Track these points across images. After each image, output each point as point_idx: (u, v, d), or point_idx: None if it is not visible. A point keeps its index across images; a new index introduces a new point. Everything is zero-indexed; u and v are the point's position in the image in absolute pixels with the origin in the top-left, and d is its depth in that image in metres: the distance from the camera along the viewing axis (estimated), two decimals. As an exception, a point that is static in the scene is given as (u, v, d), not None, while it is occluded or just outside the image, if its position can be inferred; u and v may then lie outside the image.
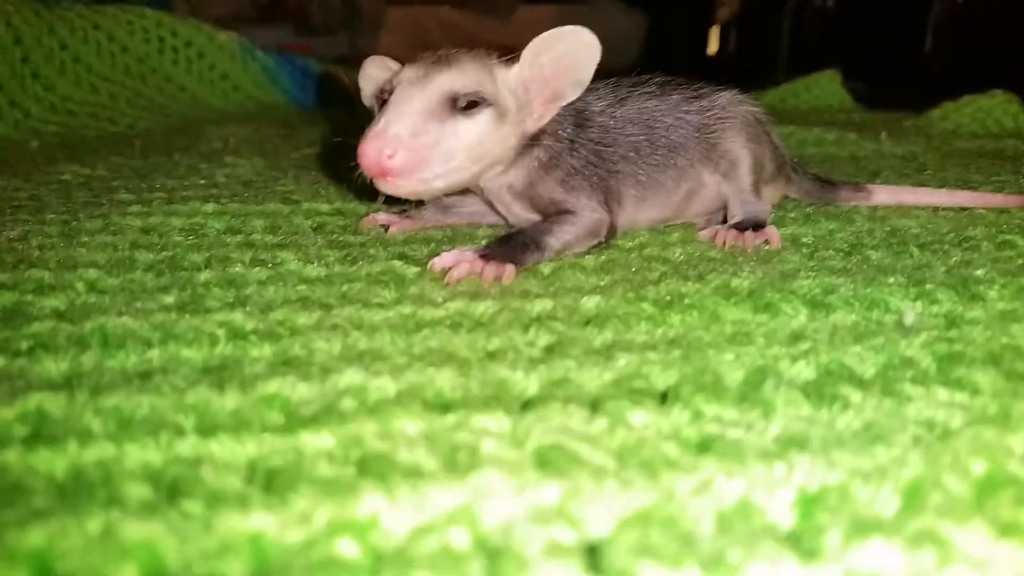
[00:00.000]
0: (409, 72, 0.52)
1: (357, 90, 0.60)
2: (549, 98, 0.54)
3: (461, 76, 0.51)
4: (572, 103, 0.56)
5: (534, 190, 0.57)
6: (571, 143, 0.57)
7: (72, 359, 0.38)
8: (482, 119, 0.51)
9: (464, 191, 0.62)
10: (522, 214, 0.59)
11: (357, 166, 0.50)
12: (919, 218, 0.66)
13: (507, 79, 0.53)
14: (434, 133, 0.50)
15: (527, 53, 0.53)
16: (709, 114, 0.62)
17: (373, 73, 0.58)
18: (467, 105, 0.51)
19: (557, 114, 0.56)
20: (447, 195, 0.62)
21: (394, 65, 0.57)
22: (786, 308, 0.45)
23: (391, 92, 0.52)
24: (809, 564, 0.24)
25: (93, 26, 1.29)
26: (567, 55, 0.53)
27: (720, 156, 0.62)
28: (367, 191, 0.52)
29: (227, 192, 0.74)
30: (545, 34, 0.52)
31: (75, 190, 0.75)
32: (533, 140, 0.56)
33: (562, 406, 0.33)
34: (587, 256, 0.56)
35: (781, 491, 0.27)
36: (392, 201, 0.56)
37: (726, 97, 0.63)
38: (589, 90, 0.58)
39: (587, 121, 0.59)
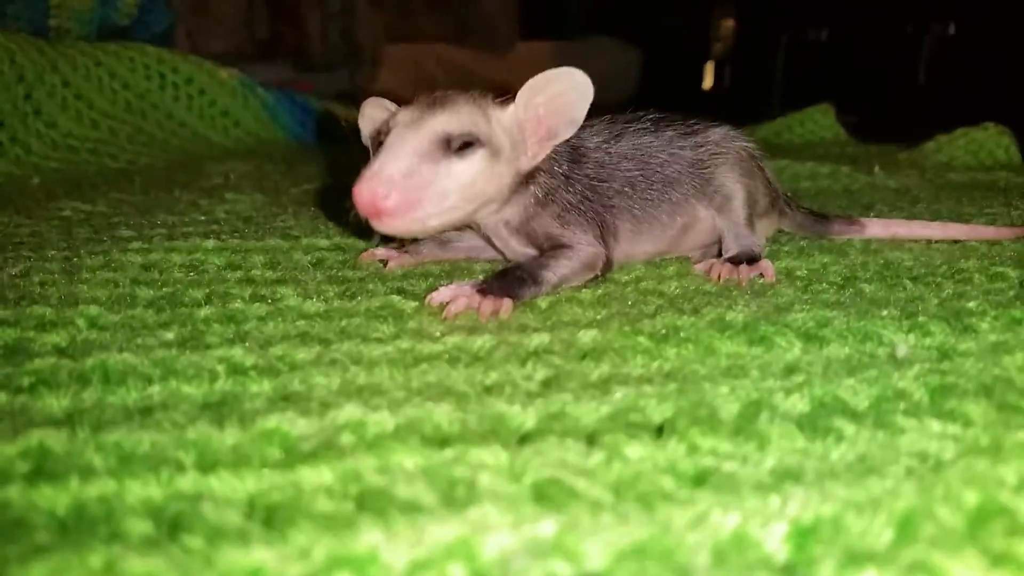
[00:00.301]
0: (404, 115, 0.53)
1: (355, 130, 0.61)
2: (544, 137, 0.55)
3: (455, 118, 0.52)
4: (568, 139, 0.57)
5: (530, 225, 0.58)
6: (566, 179, 0.58)
7: (73, 395, 0.38)
8: (475, 159, 0.52)
9: (462, 227, 0.62)
10: (519, 249, 0.59)
11: (353, 206, 0.50)
12: (912, 251, 0.66)
13: (501, 119, 0.54)
14: (428, 174, 0.50)
15: (522, 94, 0.54)
16: (703, 150, 0.63)
17: (371, 114, 0.59)
18: (461, 146, 0.52)
19: (552, 151, 0.57)
20: (444, 231, 0.63)
21: (392, 106, 0.58)
22: (780, 341, 0.45)
23: (387, 134, 0.53)
24: (803, 596, 0.24)
25: (95, 63, 1.31)
26: (561, 95, 0.54)
27: (714, 191, 0.63)
28: (363, 229, 0.53)
29: (227, 228, 0.75)
30: (540, 75, 0.53)
31: (76, 226, 0.76)
32: (528, 177, 0.56)
33: (559, 440, 0.34)
34: (584, 290, 0.57)
35: (776, 523, 0.27)
36: (389, 238, 0.57)
37: (720, 133, 0.64)
38: (585, 126, 0.59)
39: (582, 157, 0.60)
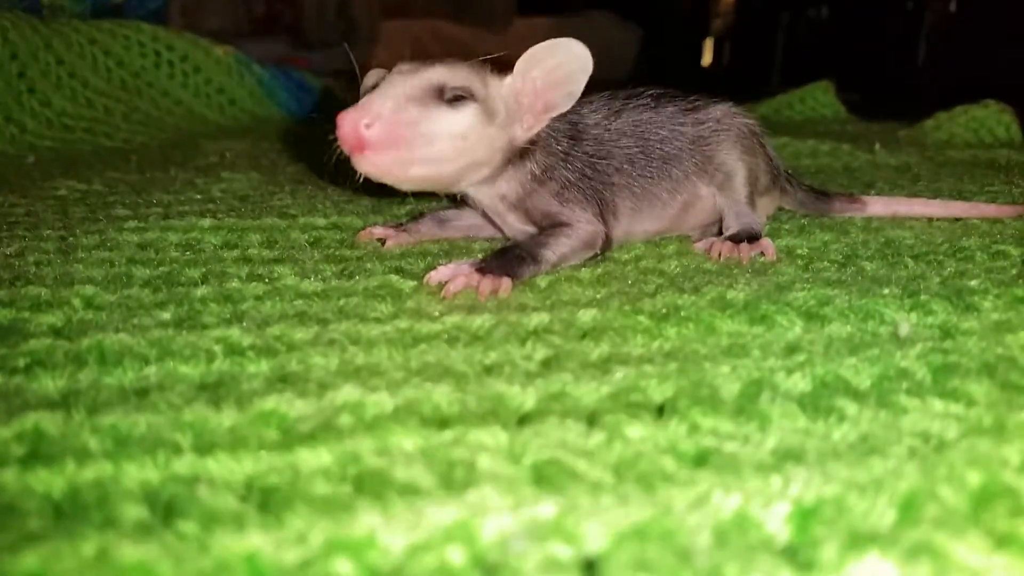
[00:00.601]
0: (402, 65, 0.53)
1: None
2: (541, 109, 0.54)
3: (451, 72, 0.52)
4: (566, 115, 0.56)
5: (529, 202, 0.57)
6: (565, 156, 0.57)
7: (69, 376, 0.38)
8: (467, 112, 0.51)
9: (460, 204, 0.62)
10: (517, 226, 0.59)
11: (335, 141, 0.49)
12: (913, 229, 0.66)
13: (498, 86, 0.54)
14: (416, 114, 0.50)
15: (520, 64, 0.53)
16: (704, 127, 0.62)
17: (373, 83, 0.59)
18: (454, 98, 0.51)
19: (551, 127, 0.56)
20: (442, 208, 0.63)
21: None
22: (781, 320, 0.45)
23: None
24: (806, 578, 0.24)
25: (89, 41, 1.29)
26: (559, 67, 0.53)
27: (715, 168, 0.62)
28: (346, 173, 0.51)
29: (224, 207, 0.74)
30: (538, 46, 0.53)
31: (71, 205, 0.75)
32: (525, 151, 0.56)
33: (559, 420, 0.34)
34: (583, 269, 0.56)
35: (777, 504, 0.27)
36: (369, 190, 0.55)
37: (721, 110, 0.64)
38: (584, 102, 0.58)
39: (582, 134, 0.59)
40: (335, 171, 0.52)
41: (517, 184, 0.57)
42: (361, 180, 0.52)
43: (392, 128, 0.49)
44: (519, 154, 0.56)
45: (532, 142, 0.56)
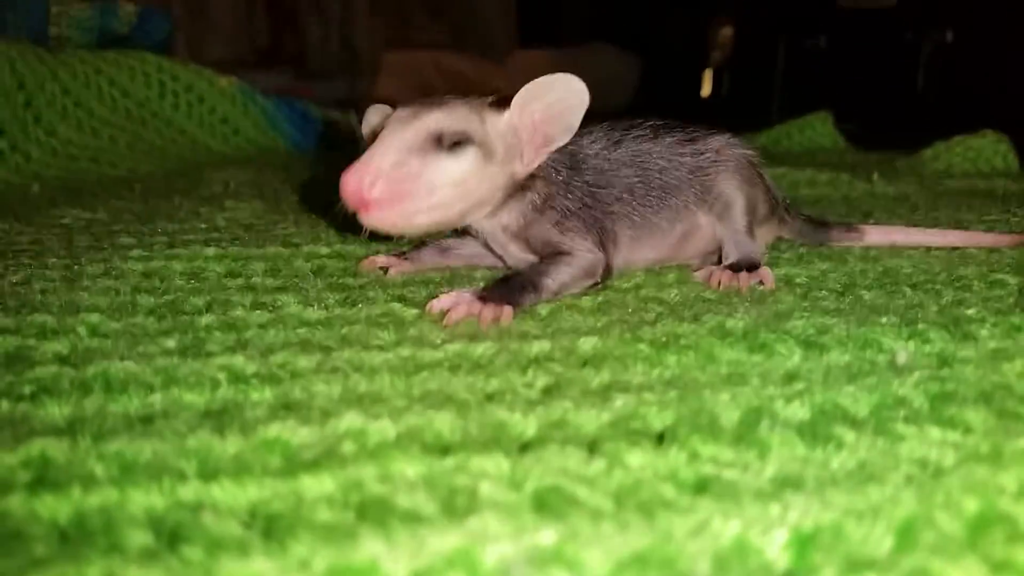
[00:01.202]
0: (399, 112, 0.54)
1: (354, 132, 0.61)
2: (539, 143, 0.55)
3: (449, 116, 0.52)
4: (566, 145, 0.57)
5: (529, 231, 0.58)
6: (566, 185, 0.58)
7: (75, 404, 0.38)
8: (466, 157, 0.52)
9: (462, 233, 0.63)
10: (518, 255, 0.59)
11: (339, 199, 0.50)
12: (911, 258, 0.67)
13: (496, 123, 0.54)
14: (417, 166, 0.51)
15: (517, 99, 0.54)
16: (703, 157, 0.63)
17: (373, 120, 0.60)
18: (453, 144, 0.52)
19: (551, 157, 0.57)
20: (444, 237, 0.63)
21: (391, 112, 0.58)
22: (780, 348, 0.46)
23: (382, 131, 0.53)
24: (804, 604, 0.24)
25: (95, 71, 1.31)
26: (557, 102, 0.54)
27: (714, 198, 0.63)
28: (351, 227, 0.53)
29: (228, 236, 0.75)
30: (535, 81, 0.53)
31: (76, 234, 0.76)
32: (526, 183, 0.57)
33: (560, 448, 0.34)
34: (584, 297, 0.57)
35: (776, 531, 0.28)
36: (376, 238, 0.57)
37: (719, 140, 0.64)
38: (584, 133, 0.59)
39: (581, 163, 0.60)
40: (342, 223, 0.53)
41: (519, 214, 0.57)
42: (368, 233, 0.53)
43: (395, 184, 0.50)
44: (520, 186, 0.57)
45: (533, 174, 0.57)
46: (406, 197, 0.50)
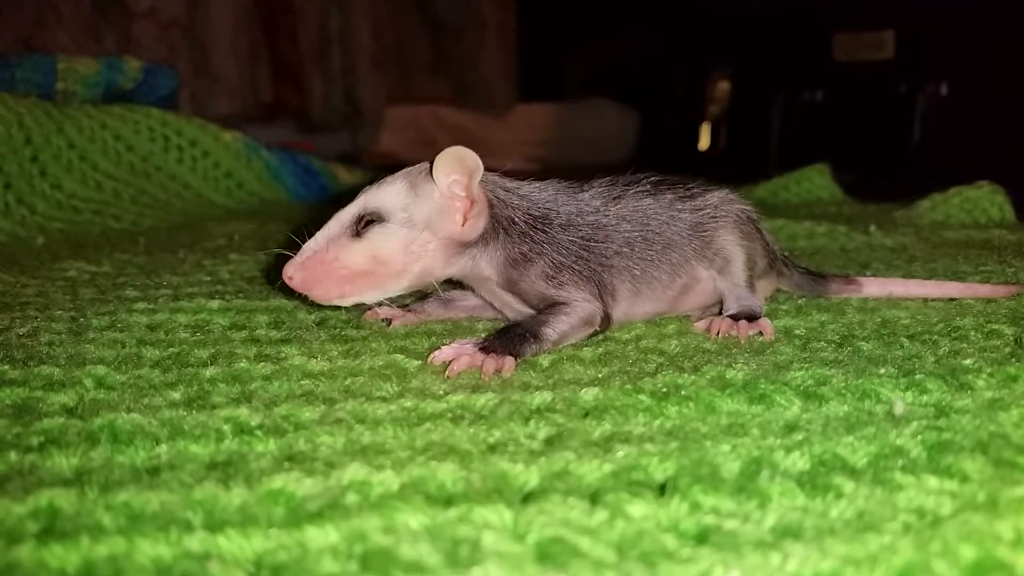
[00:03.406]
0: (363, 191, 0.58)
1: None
2: (468, 208, 0.57)
3: (373, 197, 0.57)
4: (562, 202, 0.59)
5: (518, 287, 0.59)
6: (551, 241, 0.59)
7: (82, 455, 0.39)
8: (370, 237, 0.56)
9: (462, 286, 0.64)
10: (518, 308, 0.60)
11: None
12: (909, 309, 0.67)
13: (430, 193, 0.57)
14: (332, 252, 0.56)
15: (435, 172, 0.56)
16: (702, 212, 0.64)
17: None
18: (365, 224, 0.56)
19: (531, 215, 0.59)
20: (446, 290, 0.64)
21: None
22: (780, 399, 0.46)
23: None
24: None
25: (100, 125, 1.32)
26: (466, 172, 0.56)
27: (714, 253, 0.64)
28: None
29: (231, 288, 0.76)
30: (440, 155, 0.55)
31: (81, 287, 0.77)
32: (488, 239, 0.58)
33: (562, 498, 0.34)
34: (585, 348, 0.57)
35: (777, 580, 0.28)
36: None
37: (718, 196, 0.65)
38: (584, 188, 0.61)
39: (577, 219, 0.60)
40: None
41: (495, 270, 0.59)
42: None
43: (307, 273, 0.56)
44: (483, 242, 0.58)
45: (495, 231, 0.58)
46: (320, 282, 0.56)
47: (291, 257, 0.57)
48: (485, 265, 0.59)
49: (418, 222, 0.56)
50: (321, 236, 0.57)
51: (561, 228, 0.60)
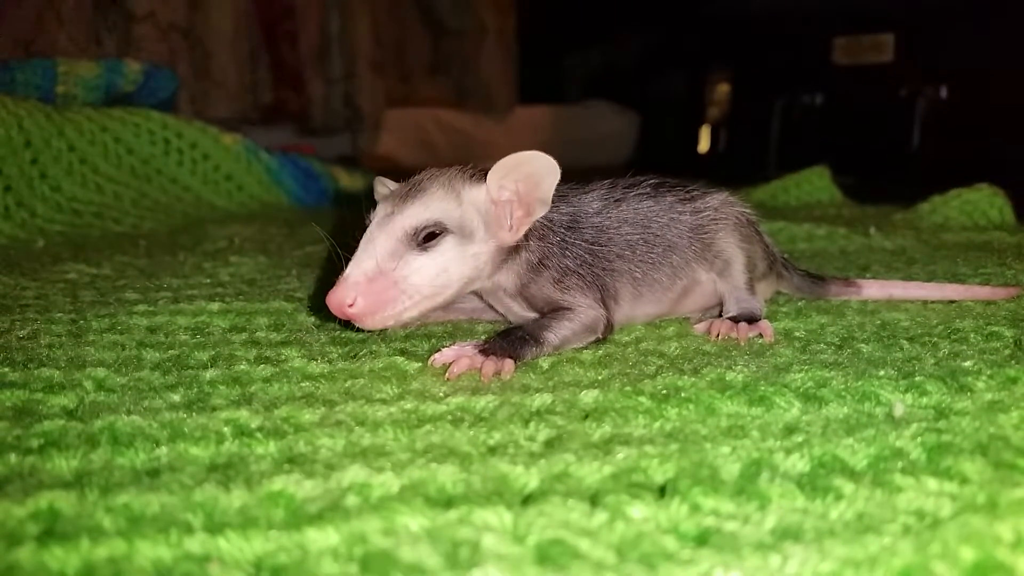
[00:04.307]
0: (380, 210, 0.55)
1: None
2: (522, 214, 0.56)
3: (423, 209, 0.54)
4: (565, 205, 0.58)
5: (528, 291, 0.59)
6: (563, 244, 0.59)
7: (83, 457, 0.39)
8: (441, 249, 0.54)
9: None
10: (520, 312, 0.60)
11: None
12: (909, 311, 0.67)
13: (476, 198, 0.56)
14: (393, 274, 0.53)
15: (492, 175, 0.55)
16: (703, 215, 0.64)
17: (380, 190, 0.61)
18: (427, 237, 0.53)
19: (547, 218, 0.58)
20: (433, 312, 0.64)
21: (392, 186, 0.60)
22: (780, 401, 0.46)
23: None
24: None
25: (100, 128, 1.33)
26: (530, 176, 0.55)
27: (714, 256, 0.64)
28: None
29: (232, 291, 0.76)
30: (508, 158, 0.55)
31: (81, 289, 0.77)
32: (518, 246, 0.58)
33: (562, 500, 0.34)
34: (585, 350, 0.57)
35: (777, 582, 0.28)
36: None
37: (718, 199, 0.66)
38: (585, 191, 0.61)
39: (581, 222, 0.61)
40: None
41: (515, 276, 0.59)
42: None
43: (373, 298, 0.52)
44: (513, 250, 0.58)
45: (525, 237, 0.58)
46: (387, 304, 0.53)
47: (331, 287, 0.53)
48: (506, 271, 0.58)
49: (475, 230, 0.55)
50: (372, 256, 0.53)
51: (567, 231, 0.60)
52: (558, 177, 0.55)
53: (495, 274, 0.58)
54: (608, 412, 0.45)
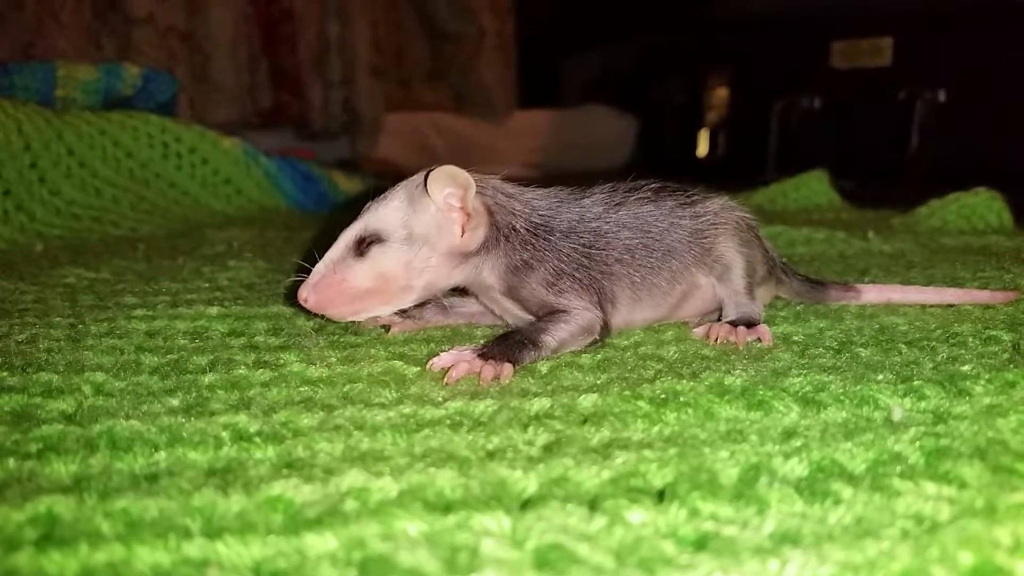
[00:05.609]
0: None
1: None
2: (465, 220, 0.57)
3: (372, 218, 0.58)
4: (565, 209, 0.58)
5: (518, 293, 0.59)
6: (553, 248, 0.59)
7: (81, 462, 0.39)
8: (372, 257, 0.57)
9: (463, 292, 0.64)
10: (518, 314, 0.60)
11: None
12: (907, 315, 0.67)
13: (427, 207, 0.57)
14: (339, 274, 0.57)
15: (431, 184, 0.56)
16: (702, 220, 0.64)
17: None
18: (367, 246, 0.57)
19: (529, 223, 0.59)
20: (445, 296, 0.64)
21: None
22: (778, 406, 0.46)
23: None
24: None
25: (99, 132, 1.32)
26: (461, 186, 0.56)
27: (714, 260, 0.64)
28: None
29: (230, 295, 0.76)
30: (433, 172, 0.56)
31: (80, 293, 0.77)
32: (489, 248, 0.58)
33: (561, 505, 0.34)
34: (583, 355, 0.57)
35: (775, 587, 0.28)
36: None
37: (718, 204, 0.66)
38: (585, 195, 0.61)
39: (578, 226, 0.61)
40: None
41: (497, 277, 0.59)
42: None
43: (321, 295, 0.57)
44: (485, 251, 0.58)
45: (496, 239, 0.58)
46: (333, 302, 0.57)
47: (304, 279, 0.58)
48: (487, 273, 0.59)
49: (418, 237, 0.57)
50: (328, 258, 0.58)
51: (563, 235, 0.60)
52: (473, 188, 0.56)
53: (478, 272, 0.59)
54: (607, 416, 0.45)
